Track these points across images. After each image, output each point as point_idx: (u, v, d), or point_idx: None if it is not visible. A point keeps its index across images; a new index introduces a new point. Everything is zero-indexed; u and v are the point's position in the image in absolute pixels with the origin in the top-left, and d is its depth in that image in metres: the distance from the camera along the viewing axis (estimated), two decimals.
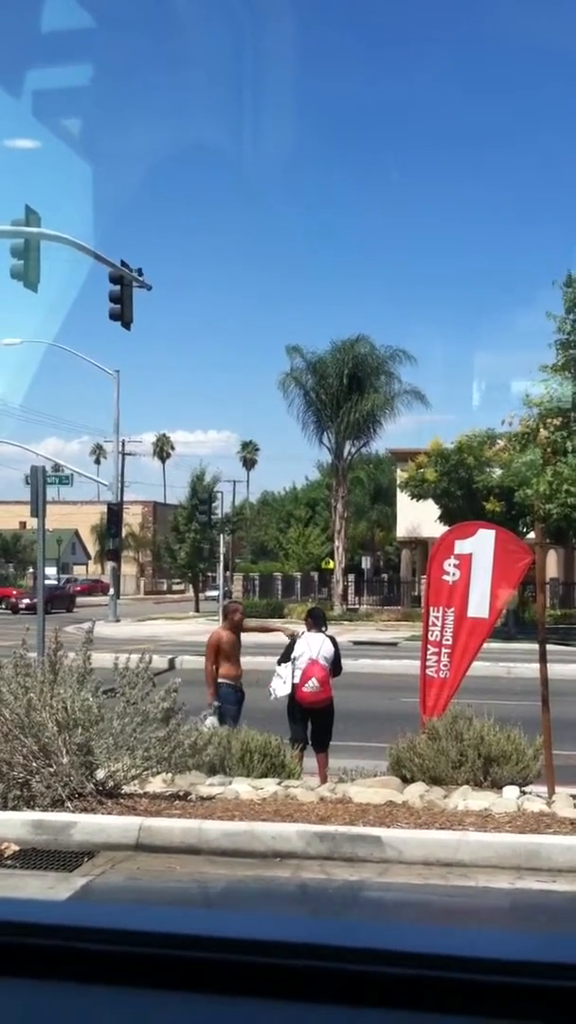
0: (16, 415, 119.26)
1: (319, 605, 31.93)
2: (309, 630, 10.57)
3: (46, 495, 19.44)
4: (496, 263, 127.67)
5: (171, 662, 21.62)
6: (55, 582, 64.93)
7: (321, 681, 10.09)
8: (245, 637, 11.14)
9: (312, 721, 10.24)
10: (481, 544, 9.65)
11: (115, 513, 36.48)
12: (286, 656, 10.31)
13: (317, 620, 10.82)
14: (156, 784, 8.29)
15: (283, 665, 10.28)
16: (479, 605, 9.61)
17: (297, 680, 10.09)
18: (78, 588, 78.35)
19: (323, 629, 10.67)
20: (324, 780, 9.39)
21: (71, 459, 73.98)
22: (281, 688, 10.19)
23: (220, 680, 10.64)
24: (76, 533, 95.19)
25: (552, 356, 29.76)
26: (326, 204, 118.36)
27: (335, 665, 10.34)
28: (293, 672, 10.14)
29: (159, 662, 16.30)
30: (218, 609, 36.63)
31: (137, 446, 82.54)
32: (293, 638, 10.54)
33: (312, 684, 10.06)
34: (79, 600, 66.73)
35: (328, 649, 10.29)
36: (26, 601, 51.47)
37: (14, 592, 58.10)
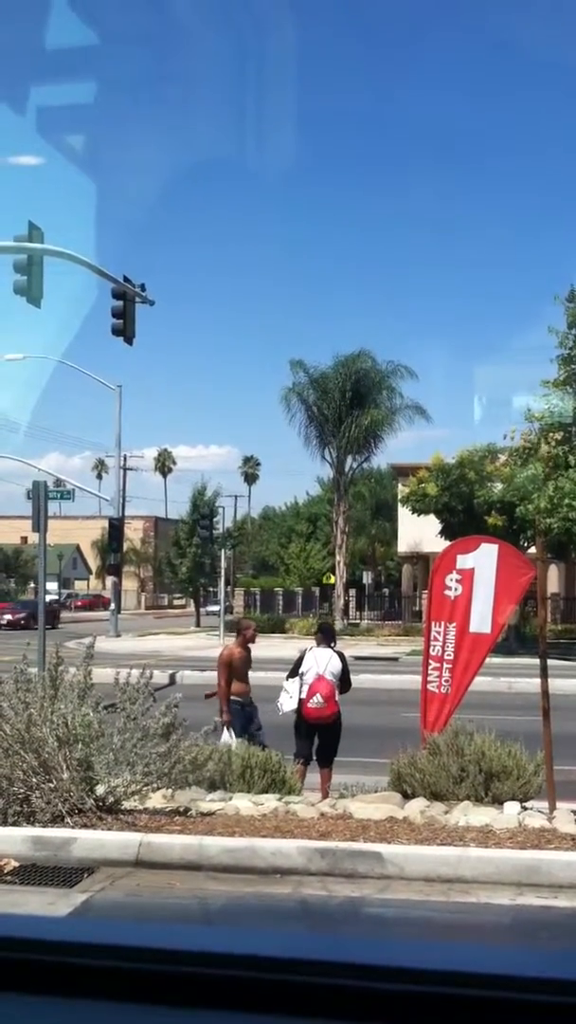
0: (20, 431, 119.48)
1: (323, 620, 31.95)
2: (319, 645, 10.59)
3: (47, 510, 19.46)
4: (498, 278, 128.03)
5: (172, 677, 21.61)
6: (56, 596, 64.93)
7: (326, 697, 10.08)
8: (256, 652, 11.16)
9: (318, 736, 10.24)
10: (484, 558, 9.64)
11: (116, 528, 36.45)
12: (294, 671, 10.32)
13: (327, 635, 10.86)
14: (156, 800, 8.27)
15: (291, 680, 10.29)
16: (481, 620, 9.59)
17: (304, 695, 10.10)
18: (79, 603, 78.43)
19: (332, 645, 10.69)
20: (326, 795, 9.38)
21: (73, 474, 73.94)
22: (288, 703, 10.20)
23: (232, 697, 10.65)
24: (77, 548, 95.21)
25: (554, 371, 29.80)
26: (329, 218, 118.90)
27: (343, 681, 10.35)
28: (300, 687, 10.16)
29: (160, 677, 16.31)
30: (219, 624, 36.70)
31: (139, 461, 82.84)
32: (302, 653, 10.57)
33: (317, 700, 10.06)
34: (80, 615, 66.77)
35: (335, 665, 10.30)
36: (8, 617, 50.81)
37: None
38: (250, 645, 11.08)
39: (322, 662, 10.24)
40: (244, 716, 10.61)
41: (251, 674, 11.05)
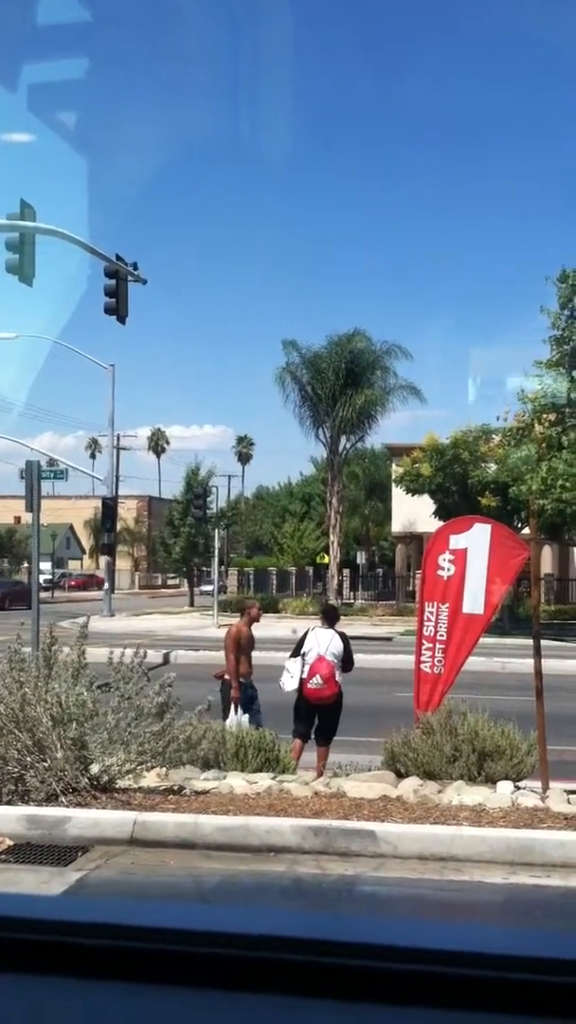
0: (13, 410, 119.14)
1: (318, 601, 31.99)
2: (322, 626, 10.68)
3: (41, 490, 19.41)
4: (492, 259, 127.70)
5: (166, 657, 21.64)
6: (50, 576, 64.84)
7: (325, 677, 10.17)
8: (256, 631, 11.21)
9: (318, 716, 10.35)
10: (476, 539, 9.64)
11: (110, 508, 36.49)
12: (296, 651, 10.43)
13: (329, 617, 10.96)
14: (150, 779, 8.29)
15: (292, 660, 10.39)
16: (474, 601, 9.60)
17: (304, 675, 10.20)
18: (72, 583, 78.34)
19: (333, 626, 10.75)
20: (321, 774, 9.42)
21: (66, 454, 73.99)
22: (289, 683, 10.32)
23: (227, 677, 10.69)
24: (71, 528, 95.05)
25: (547, 352, 29.78)
26: (323, 198, 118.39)
27: (346, 661, 10.45)
28: (302, 667, 10.26)
29: (154, 657, 16.33)
30: (213, 604, 36.70)
31: (132, 441, 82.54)
32: (304, 633, 10.64)
33: (317, 680, 10.17)
34: (74, 595, 66.70)
35: (336, 645, 10.38)
36: None
37: None
38: (253, 625, 11.14)
39: (323, 643, 10.34)
40: (247, 696, 10.66)
41: (263, 654, 11.12)
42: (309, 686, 10.16)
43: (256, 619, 11.21)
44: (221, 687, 10.74)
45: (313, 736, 10.35)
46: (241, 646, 10.74)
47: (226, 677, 10.74)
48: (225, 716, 10.31)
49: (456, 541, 9.73)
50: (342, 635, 10.60)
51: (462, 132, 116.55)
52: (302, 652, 10.34)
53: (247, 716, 10.30)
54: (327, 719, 10.34)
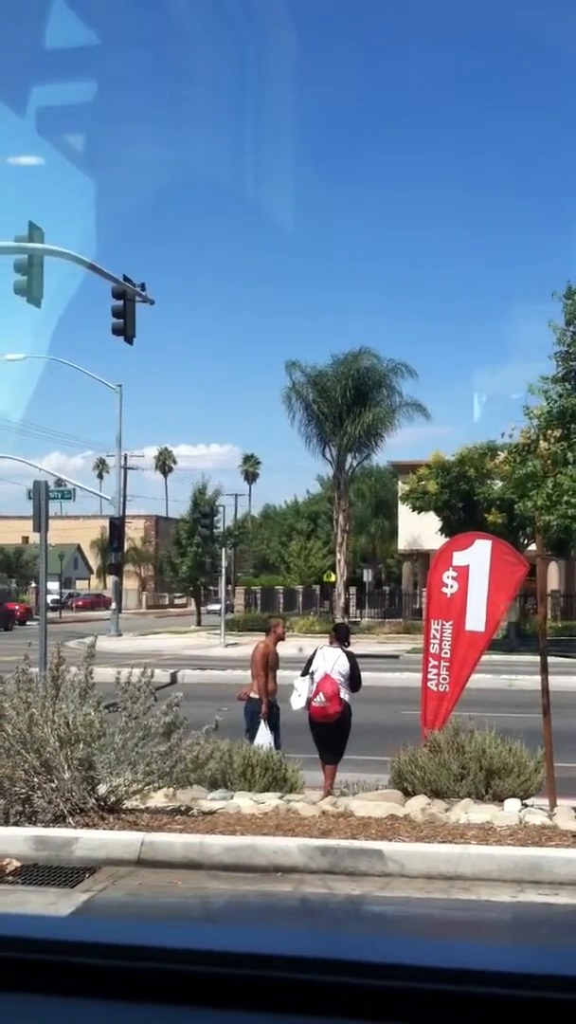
0: (18, 430, 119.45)
1: (325, 619, 31.95)
2: (331, 644, 10.69)
3: (48, 510, 19.46)
4: (497, 275, 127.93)
5: (173, 676, 21.62)
6: (57, 596, 64.88)
7: (329, 696, 10.14)
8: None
9: (324, 735, 10.32)
10: (478, 555, 9.66)
11: (117, 527, 36.45)
12: (306, 670, 10.46)
13: (340, 635, 10.98)
14: (158, 799, 8.28)
15: (301, 679, 10.41)
16: (476, 618, 9.61)
17: (311, 694, 10.22)
18: (80, 603, 78.36)
19: (346, 645, 10.79)
20: (328, 792, 9.40)
21: (74, 474, 74.06)
22: (296, 701, 10.35)
23: (254, 695, 10.72)
24: (78, 548, 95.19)
25: (553, 367, 29.80)
26: (330, 216, 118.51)
27: (353, 679, 10.42)
28: (309, 686, 10.29)
29: (161, 676, 16.29)
30: (220, 623, 36.66)
31: (139, 460, 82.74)
32: (314, 652, 10.68)
33: (320, 698, 10.16)
34: (82, 615, 66.73)
35: (343, 664, 10.38)
36: None
37: (16, 607, 57.99)
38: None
39: (329, 661, 10.34)
40: (250, 714, 10.67)
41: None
42: (314, 704, 10.17)
43: (282, 637, 11.31)
44: (247, 706, 10.76)
45: (319, 754, 10.33)
46: (268, 664, 10.77)
47: (252, 695, 10.76)
48: (252, 735, 10.35)
49: (459, 558, 9.75)
50: (349, 654, 10.60)
51: (468, 144, 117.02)
52: (311, 671, 10.35)
53: (275, 734, 10.32)
54: (333, 737, 10.29)
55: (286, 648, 11.38)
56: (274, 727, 10.62)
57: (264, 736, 10.28)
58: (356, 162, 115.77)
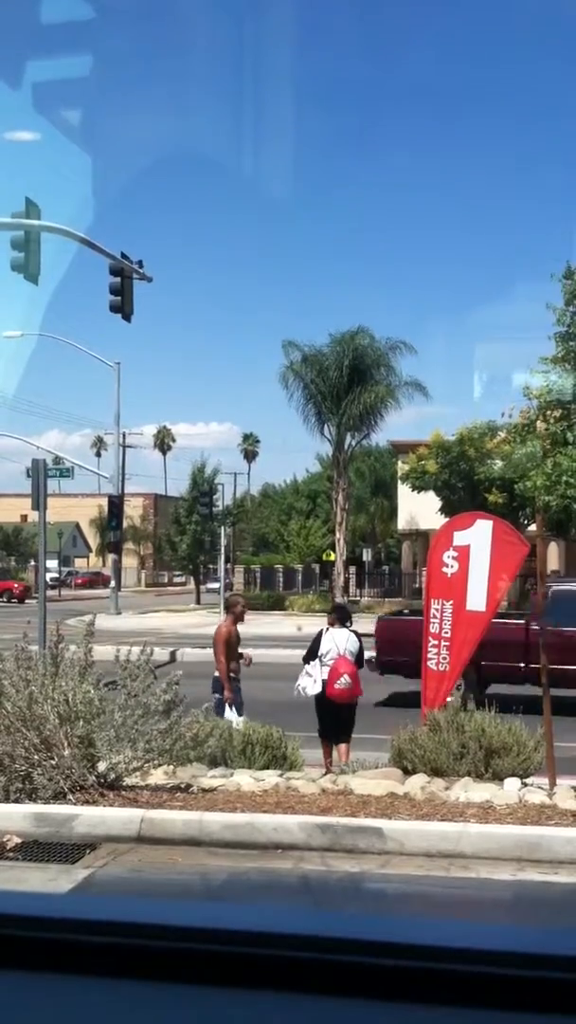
0: (16, 407, 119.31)
1: (324, 598, 32.00)
2: (332, 626, 10.61)
3: (47, 488, 19.43)
4: (497, 254, 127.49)
5: (172, 655, 21.66)
6: (56, 575, 64.92)
7: (352, 677, 10.16)
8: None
9: (341, 715, 10.30)
10: (479, 535, 9.65)
11: (116, 506, 36.49)
12: (313, 653, 10.33)
13: (342, 616, 10.88)
14: (158, 776, 8.30)
15: (312, 663, 10.29)
16: (477, 598, 9.61)
17: (326, 677, 10.13)
18: (79, 581, 78.46)
19: (348, 624, 10.71)
20: (329, 771, 9.43)
21: (72, 452, 73.81)
22: (312, 687, 10.22)
23: (220, 676, 10.63)
24: (77, 526, 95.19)
25: (552, 348, 29.72)
26: (330, 192, 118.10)
27: (358, 658, 10.42)
28: (321, 670, 10.19)
29: (160, 655, 16.34)
30: (219, 602, 36.73)
31: (138, 438, 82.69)
32: (319, 634, 10.60)
33: (345, 681, 10.10)
34: (81, 593, 66.81)
35: (354, 644, 10.39)
36: None
37: (15, 585, 58.06)
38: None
39: (341, 643, 10.29)
40: (238, 691, 10.63)
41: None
42: (337, 687, 10.08)
43: (241, 617, 11.09)
44: (212, 686, 10.59)
45: (334, 736, 10.34)
46: (231, 644, 10.67)
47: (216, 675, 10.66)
48: (220, 711, 10.24)
49: (459, 537, 9.74)
50: (356, 633, 10.59)
51: (467, 123, 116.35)
52: (320, 654, 10.26)
53: (243, 717, 10.14)
54: (350, 717, 10.35)
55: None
56: (238, 702, 10.46)
57: (229, 715, 10.01)
58: (357, 135, 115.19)
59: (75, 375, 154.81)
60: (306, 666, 10.34)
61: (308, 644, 10.61)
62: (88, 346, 41.92)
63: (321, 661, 10.21)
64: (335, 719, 10.30)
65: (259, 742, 9.11)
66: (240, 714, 10.19)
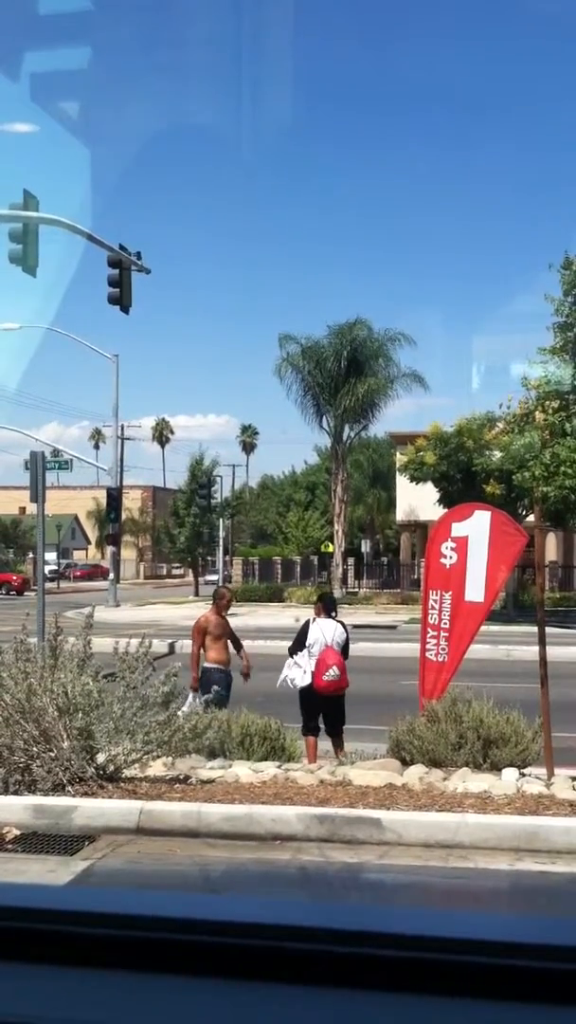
0: (15, 400, 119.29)
1: (322, 589, 32.01)
2: (318, 615, 10.42)
3: (45, 480, 19.42)
4: (495, 245, 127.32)
5: (171, 646, 21.63)
6: (55, 567, 64.97)
7: (341, 668, 9.97)
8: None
9: (328, 708, 10.13)
10: (477, 526, 9.65)
11: (114, 498, 36.50)
12: (299, 644, 10.14)
13: (328, 606, 10.64)
14: (156, 768, 8.31)
15: (299, 654, 10.09)
16: (475, 588, 9.61)
17: (313, 668, 9.96)
18: (77, 573, 78.51)
19: (334, 615, 10.53)
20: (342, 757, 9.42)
21: (71, 444, 74.02)
22: (301, 678, 9.99)
23: (211, 665, 10.62)
24: (75, 518, 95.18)
25: (550, 338, 29.73)
26: (326, 184, 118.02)
27: (344, 649, 10.24)
28: (309, 661, 10.00)
29: (159, 646, 16.32)
30: None
31: (136, 431, 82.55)
32: (304, 625, 10.47)
33: (333, 672, 9.91)
34: (79, 585, 66.84)
35: (341, 634, 10.19)
36: None
37: (14, 577, 58.08)
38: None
39: (328, 633, 10.10)
40: (227, 682, 10.60)
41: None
42: (325, 678, 9.88)
43: (225, 607, 11.11)
44: (216, 678, 10.49)
45: (324, 729, 10.16)
46: (211, 634, 10.66)
47: (216, 665, 10.62)
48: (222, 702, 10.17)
49: (458, 528, 9.74)
50: (342, 623, 10.46)
51: (463, 113, 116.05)
52: (307, 644, 10.06)
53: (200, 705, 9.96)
54: (339, 708, 10.17)
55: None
56: (208, 690, 10.23)
57: (190, 701, 9.75)
58: (357, 125, 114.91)
59: (74, 367, 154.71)
60: (293, 657, 10.12)
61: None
62: (86, 338, 41.90)
63: (308, 652, 10.02)
64: (322, 712, 10.12)
65: (257, 733, 9.13)
66: (223, 707, 10.04)
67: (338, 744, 10.10)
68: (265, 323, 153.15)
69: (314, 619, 10.43)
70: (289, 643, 10.44)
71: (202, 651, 10.74)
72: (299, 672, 10.03)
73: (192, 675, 10.44)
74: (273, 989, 1.34)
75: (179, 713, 8.71)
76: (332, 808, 7.13)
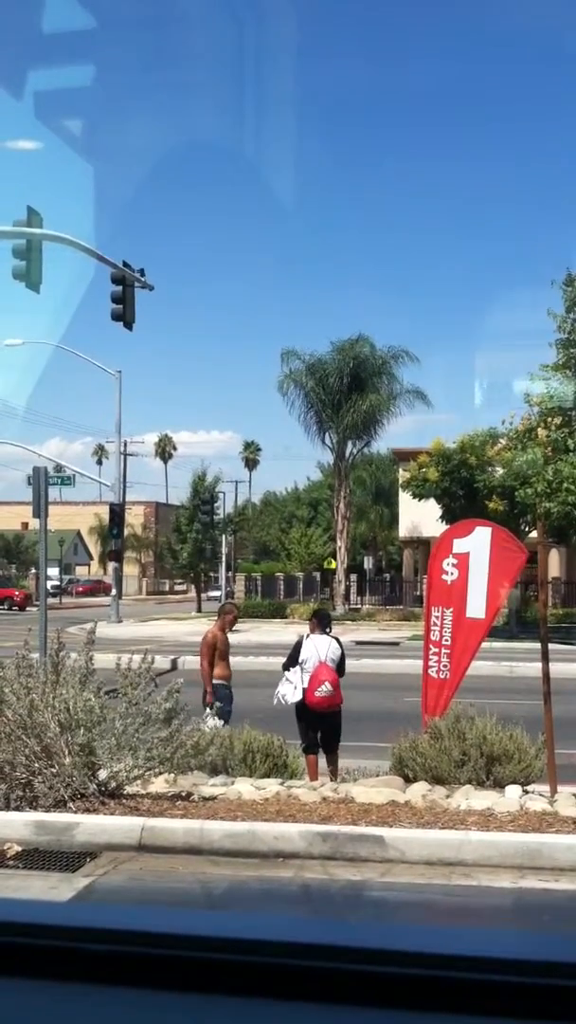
0: (19, 416, 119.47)
1: (323, 606, 32.02)
2: (313, 631, 10.37)
3: (48, 496, 19.44)
4: (498, 261, 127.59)
5: (173, 663, 21.62)
6: (57, 582, 64.96)
7: (334, 684, 9.90)
8: (249, 638, 11.20)
9: (322, 725, 10.07)
10: (478, 543, 9.66)
11: (117, 514, 36.49)
12: (293, 660, 10.09)
13: (323, 622, 10.57)
14: (158, 784, 8.29)
15: (292, 670, 10.04)
16: (477, 605, 9.61)
17: (306, 684, 9.90)
18: (80, 589, 78.48)
19: (328, 631, 10.49)
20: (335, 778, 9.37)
21: (73, 460, 74.00)
22: (292, 694, 9.94)
23: (216, 681, 10.61)
24: (78, 534, 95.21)
25: (553, 355, 29.80)
26: (329, 201, 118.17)
27: (339, 666, 10.17)
28: (302, 677, 9.95)
29: (161, 662, 16.32)
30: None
31: (139, 447, 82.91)
32: (299, 640, 10.43)
33: (325, 688, 9.84)
34: (82, 601, 66.81)
35: (335, 651, 10.12)
36: None
37: (16, 593, 58.08)
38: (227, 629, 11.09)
39: (322, 649, 10.04)
40: (230, 698, 10.60)
41: (252, 659, 11.05)
42: (317, 694, 9.82)
43: (231, 624, 11.15)
44: (221, 694, 10.55)
45: (320, 746, 10.10)
46: (219, 650, 10.65)
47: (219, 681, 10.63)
48: (224, 717, 10.20)
49: (459, 545, 9.75)
50: (337, 640, 10.39)
51: (466, 129, 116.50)
52: (300, 661, 10.00)
53: (222, 722, 10.03)
54: (334, 725, 10.10)
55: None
56: (229, 708, 10.38)
57: (212, 723, 9.83)
58: (359, 141, 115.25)
59: (77, 383, 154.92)
60: (286, 673, 10.08)
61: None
62: (90, 354, 41.96)
63: (302, 668, 9.95)
64: (316, 729, 10.05)
65: (260, 750, 9.10)
66: (226, 723, 10.10)
67: (332, 763, 9.99)
68: (268, 340, 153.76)
69: (308, 635, 10.38)
70: (261, 659, 10.41)
71: None
72: (290, 688, 9.99)
73: (207, 690, 10.44)
74: (275, 1006, 1.33)
75: (204, 728, 8.85)
76: (335, 825, 7.10)
